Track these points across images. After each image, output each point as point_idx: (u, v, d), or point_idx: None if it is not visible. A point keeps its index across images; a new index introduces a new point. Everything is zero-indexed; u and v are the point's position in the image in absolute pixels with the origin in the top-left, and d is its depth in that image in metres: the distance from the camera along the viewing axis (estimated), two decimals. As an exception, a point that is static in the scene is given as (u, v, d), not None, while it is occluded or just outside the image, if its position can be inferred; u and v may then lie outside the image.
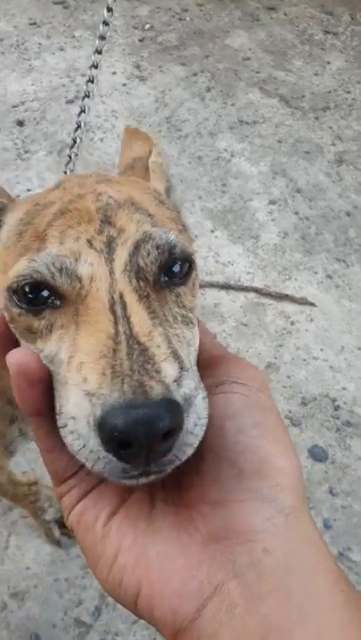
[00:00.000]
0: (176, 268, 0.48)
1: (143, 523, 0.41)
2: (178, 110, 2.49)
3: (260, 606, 0.36)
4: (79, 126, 1.03)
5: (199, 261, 1.94)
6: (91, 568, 0.42)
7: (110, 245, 0.45)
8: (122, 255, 0.45)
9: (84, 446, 0.38)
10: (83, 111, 1.03)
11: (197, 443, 0.39)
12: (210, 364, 0.46)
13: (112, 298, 0.43)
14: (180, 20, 2.99)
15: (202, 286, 1.91)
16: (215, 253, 2.01)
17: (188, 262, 0.49)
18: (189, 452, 0.39)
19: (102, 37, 1.12)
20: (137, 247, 0.46)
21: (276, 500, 0.38)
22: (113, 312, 0.42)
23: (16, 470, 1.25)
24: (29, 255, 0.46)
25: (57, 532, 1.44)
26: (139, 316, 0.42)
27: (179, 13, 3.03)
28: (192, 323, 0.47)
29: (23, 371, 0.40)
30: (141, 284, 0.45)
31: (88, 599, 1.38)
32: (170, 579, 0.38)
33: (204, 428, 0.40)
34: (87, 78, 1.08)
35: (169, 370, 0.39)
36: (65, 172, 0.95)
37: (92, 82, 1.06)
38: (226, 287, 1.91)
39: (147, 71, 2.67)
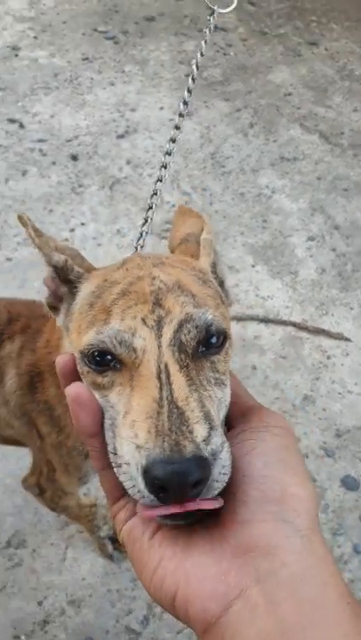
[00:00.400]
0: (213, 340, 0.58)
1: (183, 537, 0.50)
2: (222, 146, 2.63)
3: (278, 609, 0.44)
4: (150, 207, 1.15)
5: (240, 295, 2.09)
6: (137, 574, 0.52)
7: (160, 323, 0.56)
8: (168, 332, 0.55)
9: (133, 486, 0.50)
10: (155, 194, 1.15)
11: (222, 487, 0.50)
12: (244, 413, 0.57)
13: (159, 367, 0.53)
14: (224, 54, 3.14)
15: (242, 319, 2.05)
16: (255, 287, 2.15)
17: (222, 335, 0.59)
18: (215, 493, 0.50)
19: (179, 122, 1.21)
20: (180, 326, 0.56)
21: (294, 523, 0.47)
22: (159, 379, 0.52)
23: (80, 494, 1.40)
24: (98, 326, 0.58)
25: (110, 548, 1.59)
26: (179, 384, 0.52)
27: (223, 48, 3.18)
28: (224, 384, 0.58)
29: (77, 398, 0.54)
30: (182, 355, 0.55)
31: (137, 609, 1.52)
32: (202, 583, 0.46)
33: (228, 475, 0.50)
34: (165, 152, 1.19)
35: (200, 430, 0.49)
36: (136, 249, 1.07)
37: (165, 167, 1.17)
38: (265, 321, 2.04)
39: (192, 106, 2.82)
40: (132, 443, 0.50)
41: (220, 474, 0.49)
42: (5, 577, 1.55)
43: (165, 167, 1.10)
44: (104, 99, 2.84)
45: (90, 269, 0.69)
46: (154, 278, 0.60)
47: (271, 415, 0.55)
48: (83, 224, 2.33)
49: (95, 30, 3.23)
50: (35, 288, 2.10)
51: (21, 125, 2.69)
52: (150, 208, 1.16)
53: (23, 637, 1.47)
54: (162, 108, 2.80)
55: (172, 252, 0.76)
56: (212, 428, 0.50)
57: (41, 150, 2.58)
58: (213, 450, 0.49)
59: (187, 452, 0.47)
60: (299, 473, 0.49)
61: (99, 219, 2.36)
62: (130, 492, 0.50)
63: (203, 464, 0.47)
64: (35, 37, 3.17)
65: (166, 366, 0.53)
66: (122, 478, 0.51)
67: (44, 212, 2.35)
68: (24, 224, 0.70)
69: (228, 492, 0.49)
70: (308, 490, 0.49)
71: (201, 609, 0.46)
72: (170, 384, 0.52)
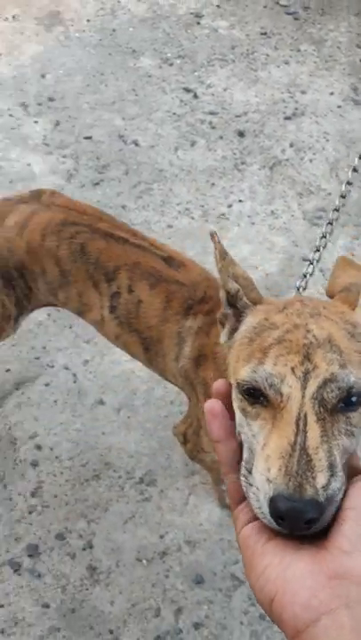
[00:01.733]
0: (353, 399, 0.64)
1: (290, 551, 0.57)
2: (387, 140, 2.66)
3: None
4: (318, 249, 1.25)
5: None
6: (246, 573, 0.60)
7: (306, 376, 0.63)
8: (313, 386, 0.62)
9: (259, 507, 0.62)
10: (317, 249, 1.24)
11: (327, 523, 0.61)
12: None
13: (299, 414, 0.61)
14: None
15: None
16: None
17: None
18: (325, 525, 0.61)
19: (330, 222, 1.29)
20: (324, 383, 0.62)
21: None
22: (297, 425, 0.61)
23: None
24: (253, 364, 0.66)
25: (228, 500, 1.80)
26: (313, 434, 0.60)
27: None
28: (353, 435, 0.66)
29: (211, 410, 0.67)
30: (321, 409, 0.62)
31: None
32: (298, 593, 0.53)
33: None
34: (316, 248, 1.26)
35: (322, 478, 0.58)
36: (298, 289, 1.17)
37: (312, 263, 1.25)
38: None
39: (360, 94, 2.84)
40: (264, 474, 0.60)
41: (331, 515, 0.58)
42: (135, 508, 1.81)
43: (332, 223, 1.21)
44: (277, 77, 2.92)
45: (257, 301, 0.77)
46: (308, 331, 0.66)
47: None
48: (240, 201, 2.48)
49: (277, 3, 3.28)
50: (189, 257, 2.29)
51: (195, 96, 2.84)
52: (317, 250, 1.26)
53: (144, 562, 1.73)
54: (332, 94, 2.84)
55: (332, 297, 0.82)
56: (333, 474, 0.59)
57: (211, 123, 2.73)
58: (330, 495, 0.58)
59: (307, 495, 0.57)
60: None
61: (256, 198, 2.49)
62: (255, 509, 0.61)
63: (318, 507, 0.57)
64: (218, 6, 3.27)
65: (305, 415, 0.61)
66: (251, 497, 0.61)
67: (207, 185, 2.52)
68: (215, 243, 0.78)
69: (338, 521, 0.58)
70: None
71: (292, 615, 0.53)
72: (305, 432, 0.60)
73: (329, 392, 0.62)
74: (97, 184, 2.50)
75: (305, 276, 1.22)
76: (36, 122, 2.72)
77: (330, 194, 2.48)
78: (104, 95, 2.82)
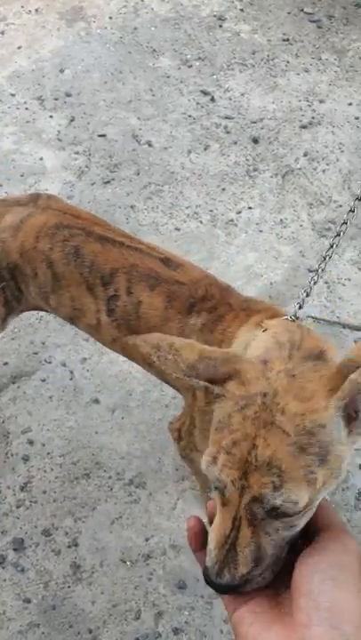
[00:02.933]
0: (285, 512, 0.73)
1: (267, 627, 0.67)
2: None
3: None
4: (314, 281, 1.23)
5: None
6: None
7: (243, 489, 0.73)
8: (245, 499, 0.72)
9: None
10: (331, 246, 1.22)
11: (264, 584, 0.72)
12: (322, 528, 0.73)
13: (236, 515, 0.72)
14: None
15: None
16: None
17: (295, 512, 0.73)
18: (255, 587, 0.72)
19: (338, 234, 1.26)
20: (253, 500, 0.72)
21: (340, 628, 0.63)
22: (233, 523, 0.72)
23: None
24: (209, 459, 0.76)
25: (215, 510, 1.80)
26: (243, 534, 0.72)
27: None
28: (294, 525, 0.73)
29: (192, 528, 0.75)
30: (253, 516, 0.73)
31: (227, 569, 1.73)
32: None
33: (268, 580, 0.72)
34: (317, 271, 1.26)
35: (242, 569, 0.71)
36: (293, 319, 1.14)
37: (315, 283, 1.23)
38: None
39: (381, 107, 2.82)
40: (209, 552, 0.74)
41: (255, 584, 0.72)
42: (123, 509, 1.81)
43: (346, 223, 1.20)
44: (296, 85, 2.91)
45: (231, 374, 0.80)
46: (254, 446, 0.74)
47: (343, 536, 0.71)
48: (250, 208, 2.47)
49: (301, 10, 3.26)
50: (194, 261, 2.29)
51: (212, 99, 2.83)
52: (325, 259, 1.24)
53: (128, 563, 1.73)
54: (350, 104, 2.83)
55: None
56: (258, 564, 0.72)
57: (226, 127, 2.72)
58: (247, 578, 0.71)
59: (224, 579, 0.72)
60: (350, 590, 0.66)
61: (266, 205, 2.48)
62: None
63: (233, 587, 0.71)
64: (241, 10, 3.26)
65: (240, 518, 0.73)
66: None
67: (217, 190, 2.52)
68: (156, 360, 0.82)
69: (297, 597, 0.66)
70: (354, 603, 0.65)
71: None
72: (238, 531, 0.72)
73: (257, 508, 0.72)
74: (107, 182, 2.51)
75: (307, 294, 1.22)
76: (51, 116, 2.73)
77: (341, 206, 2.47)
78: (121, 93, 2.82)
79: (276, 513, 0.72)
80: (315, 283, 1.30)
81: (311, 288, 1.28)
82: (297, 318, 1.15)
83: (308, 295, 1.26)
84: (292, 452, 0.73)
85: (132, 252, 1.36)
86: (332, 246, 1.21)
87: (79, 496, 1.83)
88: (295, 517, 0.73)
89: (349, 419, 0.76)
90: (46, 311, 1.55)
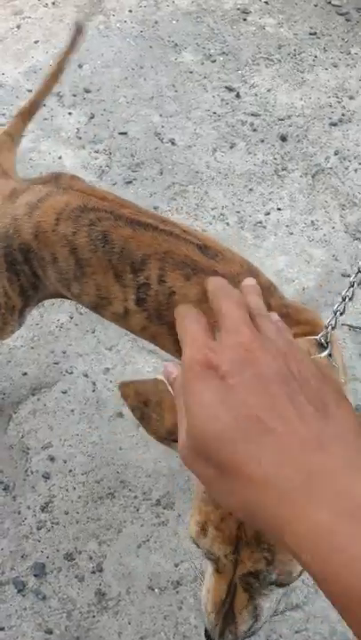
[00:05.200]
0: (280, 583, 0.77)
1: None
2: None
3: None
4: (352, 285, 1.07)
5: None
6: None
7: (235, 563, 0.75)
8: (240, 572, 0.74)
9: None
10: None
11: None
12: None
13: (231, 582, 0.74)
14: None
15: None
16: None
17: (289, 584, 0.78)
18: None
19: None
20: (248, 574, 0.74)
21: None
22: (229, 589, 0.75)
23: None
24: (198, 529, 0.78)
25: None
26: (239, 599, 0.75)
27: None
28: (286, 584, 0.77)
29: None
30: (248, 584, 0.75)
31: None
32: None
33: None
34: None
35: (243, 629, 0.74)
36: (321, 344, 1.02)
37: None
38: None
39: None
40: (205, 611, 0.78)
41: (258, 630, 0.79)
42: (150, 532, 1.70)
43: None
44: (324, 80, 2.79)
45: None
46: (242, 522, 0.74)
47: None
48: (279, 209, 2.35)
49: (329, 3, 3.13)
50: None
51: (238, 95, 2.71)
52: (352, 286, 1.08)
53: (157, 591, 1.62)
54: (382, 100, 2.70)
55: None
56: (256, 620, 0.76)
57: (252, 125, 2.60)
58: (250, 633, 0.76)
59: (226, 639, 0.76)
60: None
61: (296, 206, 2.36)
62: None
63: None
64: (266, 3, 3.14)
65: (235, 585, 0.75)
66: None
67: (244, 190, 2.40)
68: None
69: None
70: None
71: None
72: (234, 596, 0.75)
73: (252, 581, 0.74)
74: (129, 182, 2.39)
75: (343, 300, 1.07)
76: (70, 113, 2.62)
77: (374, 207, 2.35)
78: (142, 90, 2.71)
79: (272, 584, 0.74)
80: (350, 299, 1.16)
81: (349, 297, 1.15)
82: (333, 328, 1.04)
83: (342, 313, 1.13)
84: None
85: (166, 236, 1.22)
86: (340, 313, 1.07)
87: (103, 517, 1.72)
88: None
89: None
90: (66, 298, 1.42)
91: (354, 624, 0.39)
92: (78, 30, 1.54)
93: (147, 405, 0.76)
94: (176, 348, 1.30)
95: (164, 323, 1.25)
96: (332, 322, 1.07)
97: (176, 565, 1.65)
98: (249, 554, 0.73)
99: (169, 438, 0.76)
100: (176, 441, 0.69)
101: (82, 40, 1.57)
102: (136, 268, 1.22)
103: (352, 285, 1.13)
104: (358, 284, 1.13)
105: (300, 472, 0.42)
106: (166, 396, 0.76)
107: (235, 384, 0.47)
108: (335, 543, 0.39)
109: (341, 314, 1.04)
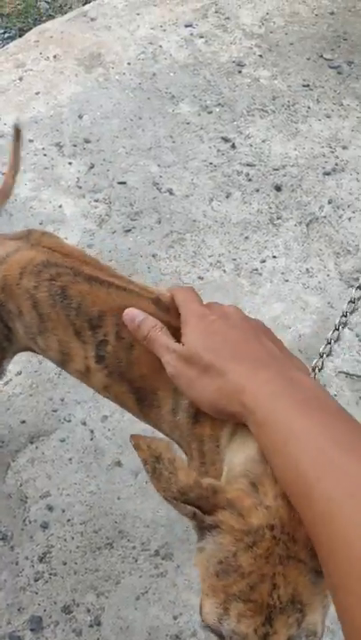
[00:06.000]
0: None
1: None
2: None
3: None
4: (344, 315, 1.13)
5: None
6: None
7: (266, 635, 0.67)
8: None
9: None
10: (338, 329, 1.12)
11: None
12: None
13: None
14: None
15: None
16: None
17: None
18: None
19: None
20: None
21: None
22: None
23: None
24: (218, 609, 0.69)
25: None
26: None
27: None
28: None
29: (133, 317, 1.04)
30: None
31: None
32: None
33: None
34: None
35: None
36: (313, 369, 1.06)
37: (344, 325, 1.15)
38: None
39: None
40: None
41: None
42: (148, 583, 1.69)
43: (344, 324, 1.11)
44: (317, 131, 2.87)
45: (221, 504, 0.74)
46: (274, 587, 0.68)
47: None
48: (274, 257, 2.40)
49: (321, 56, 3.24)
50: (219, 312, 2.21)
51: (233, 146, 2.79)
52: (336, 329, 1.12)
53: (155, 645, 1.60)
54: (373, 150, 2.78)
55: None
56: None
57: (247, 175, 2.67)
58: None
59: None
60: None
61: (290, 254, 2.41)
62: None
63: None
64: (260, 56, 3.24)
65: None
66: None
67: (240, 239, 2.45)
68: (140, 450, 0.78)
69: None
70: None
71: None
72: None
73: None
74: (128, 231, 2.44)
75: (328, 342, 1.11)
76: (70, 163, 2.68)
77: (368, 255, 2.40)
78: (140, 140, 2.78)
79: None
80: (338, 334, 1.19)
81: (334, 340, 1.17)
82: (320, 370, 1.07)
83: (330, 345, 1.16)
84: (311, 579, 0.70)
85: (121, 292, 1.23)
86: (352, 302, 1.11)
87: (102, 568, 1.71)
88: None
89: None
90: (37, 352, 1.43)
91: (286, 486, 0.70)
92: (16, 133, 1.57)
93: (159, 461, 0.74)
94: (140, 409, 1.29)
95: (125, 380, 1.24)
96: (319, 363, 1.11)
97: (175, 618, 1.64)
98: (284, 620, 0.67)
99: (179, 498, 0.72)
100: (186, 502, 0.72)
101: (21, 143, 1.60)
102: (94, 325, 1.22)
103: (337, 328, 1.17)
104: (343, 327, 1.17)
105: (255, 367, 0.79)
106: (178, 456, 0.76)
107: (222, 323, 0.85)
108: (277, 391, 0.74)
109: (328, 355, 1.08)
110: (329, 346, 1.14)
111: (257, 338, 0.84)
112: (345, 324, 1.19)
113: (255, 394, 0.73)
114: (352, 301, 1.18)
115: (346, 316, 1.19)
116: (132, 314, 0.99)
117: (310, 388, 0.73)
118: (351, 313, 1.19)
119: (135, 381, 1.25)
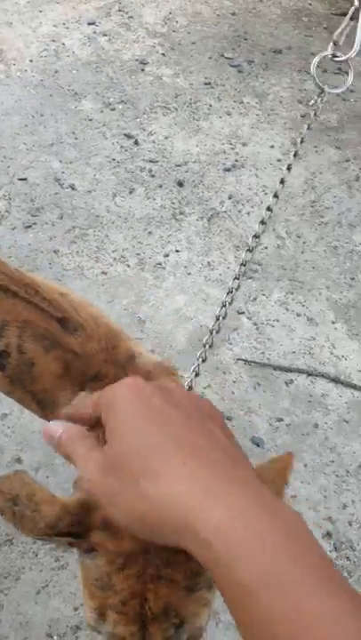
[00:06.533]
0: None
1: None
2: (324, 196, 2.68)
3: None
4: (223, 305, 1.16)
5: (315, 349, 2.13)
6: None
7: (144, 637, 0.70)
8: None
9: None
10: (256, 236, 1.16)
11: None
12: None
13: None
14: (343, 100, 3.17)
15: (312, 375, 2.11)
16: (331, 345, 2.20)
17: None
18: None
19: (276, 195, 1.22)
20: None
21: None
22: None
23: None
24: (96, 615, 0.71)
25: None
26: None
27: (344, 93, 3.20)
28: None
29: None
30: None
31: None
32: None
33: None
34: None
35: None
36: (204, 346, 1.07)
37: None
38: (335, 380, 2.09)
39: (302, 149, 2.86)
40: None
41: None
42: (49, 576, 1.68)
43: (244, 265, 1.14)
44: (218, 128, 2.93)
45: (95, 525, 0.70)
46: (146, 600, 0.70)
47: None
48: (177, 251, 2.44)
49: (222, 55, 3.32)
50: (122, 305, 2.23)
51: (136, 142, 2.81)
52: (223, 306, 1.16)
53: (56, 637, 1.60)
54: (272, 147, 2.87)
55: None
56: None
57: (150, 171, 2.70)
58: None
59: None
60: None
61: (193, 248, 2.46)
62: None
63: None
64: (163, 54, 3.29)
65: None
66: None
67: (144, 234, 2.47)
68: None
69: None
70: None
71: None
72: None
73: None
74: (29, 227, 2.42)
75: (211, 332, 1.14)
76: (-31, 160, 2.63)
77: (266, 247, 2.47)
78: (42, 137, 2.76)
79: None
80: (217, 332, 1.22)
81: (222, 317, 1.21)
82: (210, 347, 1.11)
83: (210, 346, 1.19)
84: (184, 595, 0.72)
85: (25, 304, 1.19)
86: (237, 277, 1.15)
87: (1, 565, 1.69)
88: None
89: None
90: None
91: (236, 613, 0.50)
92: None
93: (16, 504, 0.67)
94: (43, 413, 1.25)
95: (27, 391, 1.20)
96: (209, 340, 1.14)
97: (76, 609, 1.64)
98: (157, 626, 0.70)
99: (50, 533, 0.66)
100: (59, 535, 0.68)
101: None
102: None
103: (224, 305, 1.21)
104: (229, 304, 1.21)
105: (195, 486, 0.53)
106: (36, 487, 0.69)
107: (161, 399, 0.60)
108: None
109: (204, 360, 1.12)
110: (218, 322, 1.18)
111: (203, 425, 0.59)
112: (230, 302, 1.23)
113: (208, 518, 0.50)
114: (243, 264, 1.20)
115: (232, 292, 1.22)
116: (50, 431, 0.69)
117: (281, 509, 0.53)
118: (237, 289, 1.23)
119: (37, 393, 1.21)
